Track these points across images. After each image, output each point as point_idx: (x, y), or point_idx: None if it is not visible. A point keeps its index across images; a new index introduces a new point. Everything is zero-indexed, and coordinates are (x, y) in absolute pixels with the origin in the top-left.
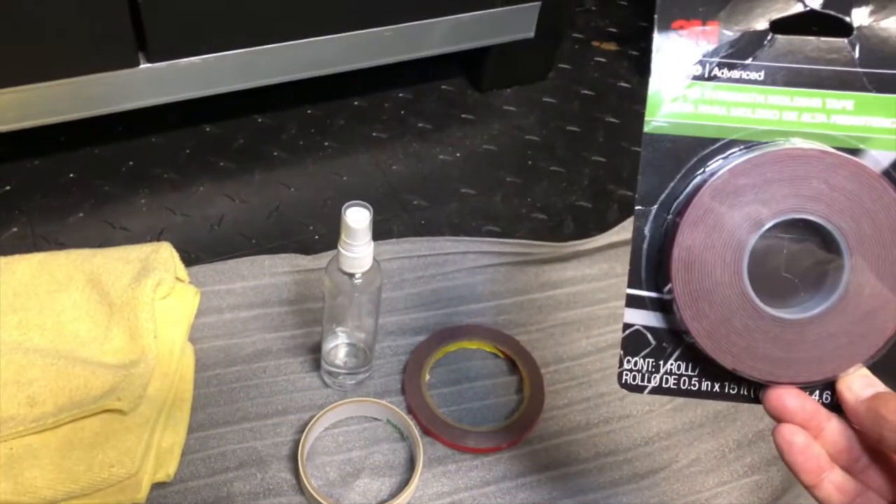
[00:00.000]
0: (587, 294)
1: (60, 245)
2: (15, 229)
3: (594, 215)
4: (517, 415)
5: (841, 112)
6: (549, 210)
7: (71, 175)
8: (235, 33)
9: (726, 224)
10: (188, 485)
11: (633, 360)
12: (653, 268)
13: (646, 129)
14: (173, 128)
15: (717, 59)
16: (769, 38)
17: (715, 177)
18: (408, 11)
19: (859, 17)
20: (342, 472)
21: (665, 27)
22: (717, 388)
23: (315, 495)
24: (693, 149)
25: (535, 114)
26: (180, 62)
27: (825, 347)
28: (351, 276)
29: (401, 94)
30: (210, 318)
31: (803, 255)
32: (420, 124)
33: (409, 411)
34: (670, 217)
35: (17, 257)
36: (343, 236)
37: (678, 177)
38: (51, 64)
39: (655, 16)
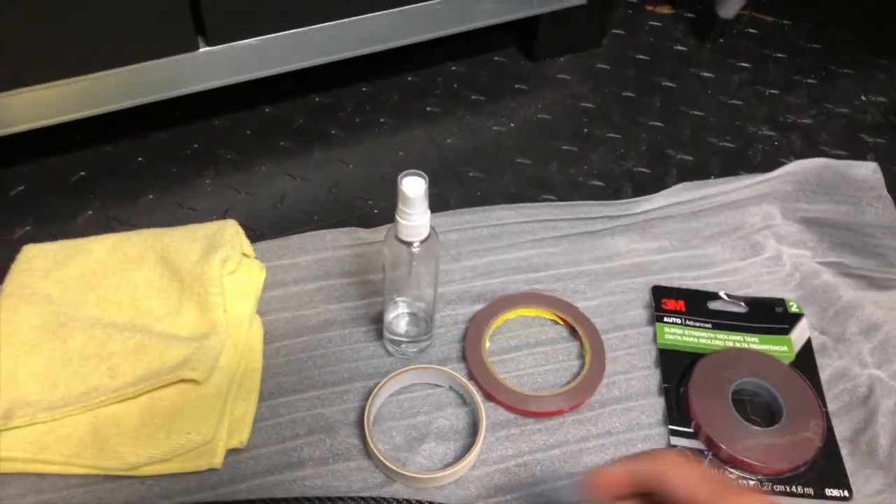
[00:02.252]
0: (642, 266)
1: (132, 226)
2: (90, 212)
3: (653, 180)
4: (578, 379)
5: (751, 342)
6: (606, 177)
7: (139, 159)
8: (289, 14)
9: (713, 384)
10: (261, 451)
11: None
12: (681, 414)
13: (658, 344)
14: (234, 110)
15: (686, 318)
16: (708, 306)
17: (701, 361)
18: None
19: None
20: (408, 436)
21: (659, 312)
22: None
23: (382, 459)
24: (685, 357)
25: (589, 81)
26: (237, 44)
27: (784, 451)
28: (409, 244)
29: (453, 68)
30: (276, 291)
31: (762, 404)
32: (473, 97)
33: (471, 377)
34: (682, 389)
35: (92, 238)
36: (400, 205)
37: (681, 370)
38: (115, 52)
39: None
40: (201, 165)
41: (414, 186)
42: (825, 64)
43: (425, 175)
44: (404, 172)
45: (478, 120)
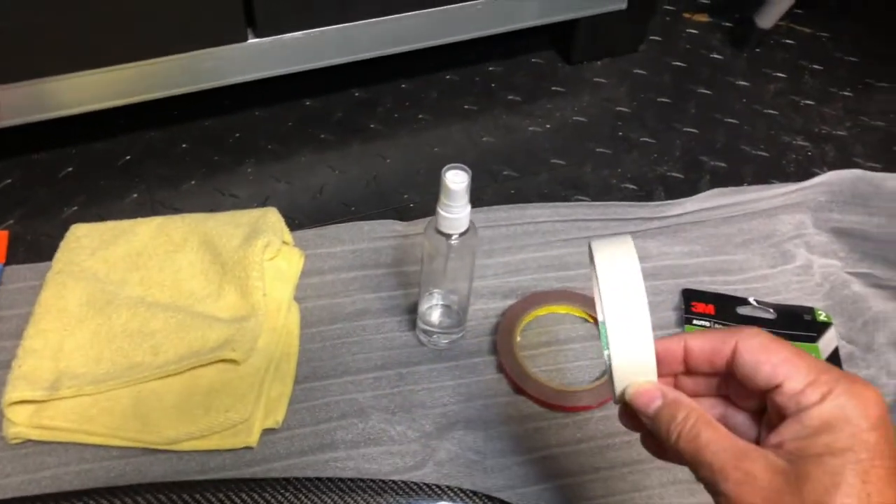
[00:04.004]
0: (673, 269)
1: (175, 210)
2: (135, 195)
3: (686, 186)
4: (607, 376)
5: None
6: (639, 181)
7: (183, 146)
8: (336, 9)
9: None
10: (295, 432)
11: None
12: None
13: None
14: (276, 102)
15: (715, 321)
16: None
17: None
18: None
19: None
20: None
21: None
22: None
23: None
24: None
25: (625, 85)
26: (284, 37)
27: None
28: (448, 237)
29: (491, 68)
30: (313, 279)
31: None
32: (510, 97)
33: (501, 369)
34: None
35: (138, 220)
36: (442, 197)
37: None
38: (166, 40)
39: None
40: (243, 154)
41: (457, 180)
42: (862, 77)
43: (469, 169)
44: (448, 166)
45: (514, 120)
